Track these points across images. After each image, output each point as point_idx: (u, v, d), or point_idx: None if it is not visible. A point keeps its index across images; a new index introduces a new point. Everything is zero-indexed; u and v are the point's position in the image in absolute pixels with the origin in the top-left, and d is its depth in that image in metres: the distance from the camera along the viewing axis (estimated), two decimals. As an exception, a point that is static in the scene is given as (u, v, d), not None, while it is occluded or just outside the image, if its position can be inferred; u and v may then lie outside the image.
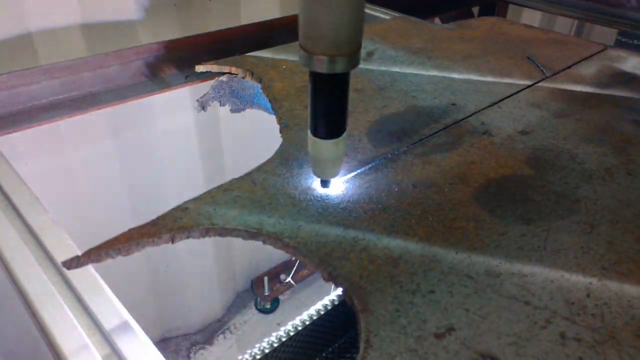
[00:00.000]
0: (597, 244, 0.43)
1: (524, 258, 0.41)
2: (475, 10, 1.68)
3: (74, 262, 0.40)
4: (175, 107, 1.31)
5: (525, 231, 0.44)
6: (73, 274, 0.46)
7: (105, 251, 0.40)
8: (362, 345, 0.33)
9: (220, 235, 0.43)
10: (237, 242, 1.80)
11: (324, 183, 0.47)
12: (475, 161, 0.53)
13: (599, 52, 0.85)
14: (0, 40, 1.06)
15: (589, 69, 0.78)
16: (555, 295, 0.37)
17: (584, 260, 0.41)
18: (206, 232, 0.43)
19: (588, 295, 0.38)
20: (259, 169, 0.51)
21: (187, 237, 0.42)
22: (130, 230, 0.42)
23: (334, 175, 0.47)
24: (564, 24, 2.07)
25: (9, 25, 1.06)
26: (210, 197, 0.46)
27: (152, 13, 1.24)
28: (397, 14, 1.08)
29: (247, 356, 0.34)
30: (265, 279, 1.79)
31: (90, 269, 0.46)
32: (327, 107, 0.42)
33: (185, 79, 1.06)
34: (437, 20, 1.65)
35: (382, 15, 1.11)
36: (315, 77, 0.40)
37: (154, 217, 0.46)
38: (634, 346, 0.33)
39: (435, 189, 0.49)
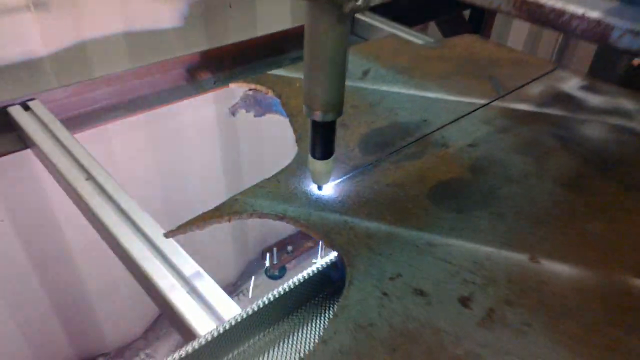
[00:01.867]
0: (501, 228, 0.66)
1: (453, 235, 0.64)
2: (468, 13, 1.87)
3: (171, 233, 0.64)
4: (205, 107, 1.54)
5: (457, 217, 0.67)
6: (159, 241, 0.70)
7: (189, 227, 0.64)
8: (347, 284, 0.57)
9: (260, 217, 0.67)
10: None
11: (319, 188, 0.70)
12: (432, 167, 0.76)
13: (549, 72, 1.06)
14: (62, 50, 1.27)
15: (535, 89, 1.00)
16: (467, 258, 0.61)
17: (490, 237, 0.64)
18: (250, 215, 0.67)
19: (487, 259, 0.61)
20: (282, 171, 0.75)
21: (238, 219, 0.66)
22: (203, 214, 0.66)
23: (326, 182, 0.70)
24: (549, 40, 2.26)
25: (69, 39, 1.27)
26: (251, 192, 0.70)
27: (183, 24, 1.45)
28: (395, 24, 1.28)
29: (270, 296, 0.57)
30: (274, 249, 2.05)
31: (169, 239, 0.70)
32: (321, 141, 0.64)
33: (214, 83, 1.29)
34: (432, 24, 1.85)
35: (380, 25, 1.31)
36: (313, 122, 0.62)
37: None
38: (506, 286, 0.57)
39: (402, 188, 0.72)
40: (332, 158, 0.66)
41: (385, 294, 0.56)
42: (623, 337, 0.53)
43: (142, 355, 1.87)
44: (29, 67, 1.22)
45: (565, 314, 0.55)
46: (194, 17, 1.45)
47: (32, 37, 1.20)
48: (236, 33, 1.51)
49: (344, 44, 0.54)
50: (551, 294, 0.57)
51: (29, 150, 1.02)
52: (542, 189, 0.73)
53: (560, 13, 1.09)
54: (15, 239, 1.45)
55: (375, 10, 1.40)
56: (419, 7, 1.62)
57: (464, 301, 0.56)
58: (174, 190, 1.65)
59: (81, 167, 0.87)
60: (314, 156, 0.66)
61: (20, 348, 1.64)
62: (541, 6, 1.12)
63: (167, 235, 0.66)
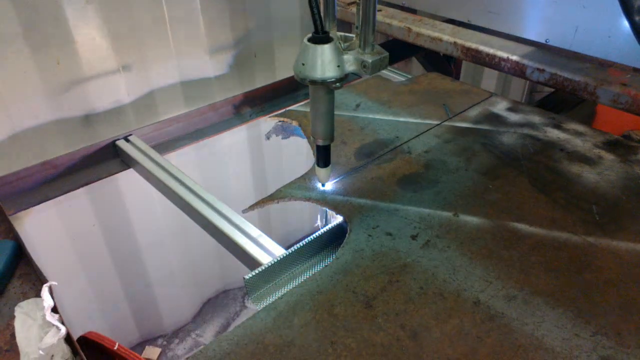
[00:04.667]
0: (438, 199, 1.11)
1: (409, 204, 1.09)
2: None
3: (245, 210, 1.10)
4: (241, 132, 2.02)
5: (413, 194, 1.12)
6: (237, 218, 1.15)
7: (256, 207, 1.10)
8: (348, 232, 1.02)
9: (295, 200, 1.12)
10: (274, 220, 2.51)
11: (323, 185, 1.16)
12: (400, 166, 1.22)
13: (486, 98, 1.52)
14: (138, 98, 1.75)
15: (474, 112, 1.45)
16: (417, 215, 1.06)
17: (431, 204, 1.09)
18: (289, 200, 1.12)
19: (428, 215, 1.06)
20: (307, 173, 1.20)
21: (284, 201, 1.11)
22: (263, 199, 1.11)
23: (327, 181, 1.14)
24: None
25: (143, 90, 1.75)
26: (289, 186, 1.16)
27: (221, 72, 1.93)
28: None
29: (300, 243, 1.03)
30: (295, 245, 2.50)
31: (239, 215, 1.15)
32: (322, 156, 1.09)
33: (250, 116, 1.76)
34: (414, 59, 2.33)
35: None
36: (317, 146, 1.07)
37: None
38: (438, 229, 1.02)
39: (381, 179, 1.18)
40: (329, 166, 1.11)
41: (370, 235, 1.01)
42: (501, 251, 0.98)
43: (193, 335, 2.32)
44: (117, 112, 1.70)
45: (469, 241, 1.00)
46: (229, 66, 1.94)
47: (120, 90, 1.69)
48: (261, 77, 1.99)
49: (332, 103, 0.98)
50: (463, 232, 1.02)
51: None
52: (467, 176, 1.18)
53: (493, 57, 1.58)
54: (101, 239, 1.92)
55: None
56: (402, 47, 2.09)
57: (413, 237, 1.01)
58: (217, 192, 2.12)
59: (174, 176, 1.33)
60: (318, 165, 1.11)
61: (99, 327, 2.09)
62: (480, 52, 1.61)
63: (244, 211, 1.12)
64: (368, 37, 0.87)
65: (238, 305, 2.48)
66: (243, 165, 2.23)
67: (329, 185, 1.16)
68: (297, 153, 2.25)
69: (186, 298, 2.34)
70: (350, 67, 0.90)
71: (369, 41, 0.87)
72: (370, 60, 0.88)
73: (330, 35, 0.88)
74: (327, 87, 0.92)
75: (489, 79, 3.04)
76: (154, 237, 2.04)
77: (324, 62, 0.86)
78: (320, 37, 0.86)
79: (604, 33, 1.33)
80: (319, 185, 1.16)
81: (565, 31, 1.41)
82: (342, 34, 0.92)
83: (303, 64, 0.88)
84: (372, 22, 0.86)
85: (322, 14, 0.85)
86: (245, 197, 2.27)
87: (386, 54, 0.90)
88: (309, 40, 0.87)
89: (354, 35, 0.91)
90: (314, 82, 0.89)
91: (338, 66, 0.88)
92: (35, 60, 1.45)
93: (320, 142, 1.04)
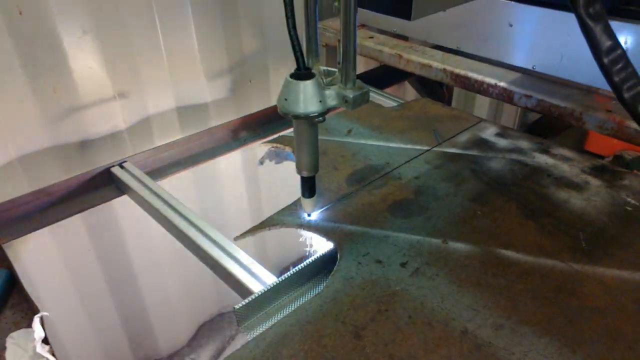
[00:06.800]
0: (427, 225, 1.12)
1: (399, 231, 1.10)
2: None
3: (237, 238, 1.11)
4: (235, 157, 2.04)
5: (403, 221, 1.13)
6: (228, 245, 1.16)
7: (247, 235, 1.11)
8: (338, 259, 1.03)
9: (286, 227, 1.13)
10: (270, 243, 2.51)
11: (309, 215, 1.17)
12: (390, 192, 1.24)
13: (475, 124, 1.55)
14: (134, 124, 1.78)
15: (463, 137, 1.48)
16: (406, 242, 1.07)
17: (421, 230, 1.10)
18: (281, 226, 1.14)
19: (418, 242, 1.07)
20: (296, 201, 1.22)
21: (276, 228, 1.13)
22: (254, 226, 1.13)
23: (312, 211, 1.16)
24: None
25: (139, 116, 1.78)
26: (280, 213, 1.17)
27: (216, 98, 1.96)
28: (371, 89, 1.78)
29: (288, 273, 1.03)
30: (291, 267, 2.50)
31: (231, 242, 1.16)
32: (307, 187, 1.10)
33: (244, 141, 1.78)
34: (406, 83, 2.36)
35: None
36: (302, 177, 1.09)
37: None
38: (427, 257, 1.03)
39: (371, 206, 1.19)
40: (315, 196, 1.12)
41: (359, 263, 1.02)
42: (489, 279, 0.99)
43: None
44: (113, 139, 1.72)
45: (458, 269, 1.01)
46: (224, 92, 1.97)
47: (116, 117, 1.71)
48: (256, 103, 2.02)
49: (315, 136, 0.99)
50: (452, 259, 1.03)
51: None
52: (456, 202, 1.20)
53: (481, 83, 1.61)
54: (96, 266, 1.92)
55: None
56: (395, 71, 2.12)
57: (403, 265, 1.02)
58: (212, 217, 2.13)
59: (167, 202, 1.35)
60: (303, 196, 1.12)
61: (95, 352, 2.08)
62: (469, 78, 1.65)
63: (235, 238, 1.13)
64: (349, 73, 0.90)
65: (233, 328, 2.46)
66: (238, 190, 2.25)
67: (315, 215, 1.17)
68: (291, 178, 2.27)
69: (182, 322, 2.33)
70: (332, 101, 0.93)
71: (350, 77, 0.90)
72: (351, 96, 0.90)
73: (313, 70, 0.90)
74: (310, 121, 0.94)
75: (482, 100, 3.08)
76: (149, 262, 2.04)
77: (306, 98, 0.89)
78: (302, 73, 0.89)
79: (588, 60, 1.35)
80: (305, 215, 1.17)
81: (551, 58, 1.45)
82: (325, 68, 0.95)
83: (286, 99, 0.90)
84: (353, 58, 0.88)
85: (304, 52, 0.88)
86: (241, 222, 2.28)
87: (367, 89, 0.92)
88: (292, 76, 0.90)
89: (336, 70, 0.93)
90: (296, 116, 0.91)
91: (320, 101, 0.90)
92: (32, 88, 1.48)
93: (305, 174, 1.06)
